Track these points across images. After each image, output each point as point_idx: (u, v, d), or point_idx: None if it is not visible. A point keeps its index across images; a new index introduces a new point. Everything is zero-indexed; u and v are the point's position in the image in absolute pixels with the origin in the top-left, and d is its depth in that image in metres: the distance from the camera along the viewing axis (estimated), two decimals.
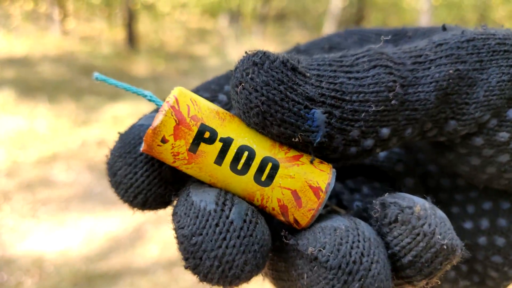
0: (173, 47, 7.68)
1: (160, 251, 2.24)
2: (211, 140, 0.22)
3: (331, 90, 0.21)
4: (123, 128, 0.27)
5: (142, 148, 0.23)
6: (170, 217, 0.23)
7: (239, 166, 0.22)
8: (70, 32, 7.56)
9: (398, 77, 0.22)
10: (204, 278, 0.21)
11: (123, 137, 0.25)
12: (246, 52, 0.22)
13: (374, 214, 0.23)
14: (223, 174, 0.22)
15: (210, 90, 0.28)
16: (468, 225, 0.29)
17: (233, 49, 7.65)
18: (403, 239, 0.21)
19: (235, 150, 0.22)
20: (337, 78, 0.22)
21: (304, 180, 0.22)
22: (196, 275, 0.21)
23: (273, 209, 0.23)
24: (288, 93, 0.21)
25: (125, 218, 2.46)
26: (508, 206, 0.28)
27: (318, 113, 0.21)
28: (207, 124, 0.22)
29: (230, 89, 0.22)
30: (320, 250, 0.21)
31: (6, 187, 2.72)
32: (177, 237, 0.22)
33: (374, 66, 0.22)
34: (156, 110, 0.27)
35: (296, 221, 0.23)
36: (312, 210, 0.23)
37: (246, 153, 0.22)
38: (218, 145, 0.22)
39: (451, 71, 0.23)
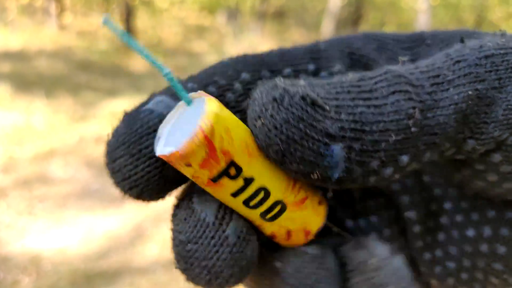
0: (171, 44, 7.63)
1: (160, 250, 2.22)
2: (234, 177, 0.22)
3: (350, 122, 0.21)
4: None
5: (159, 154, 0.21)
6: (170, 217, 0.24)
7: (252, 203, 0.23)
8: (67, 26, 7.49)
9: (417, 102, 0.22)
10: (191, 280, 0.23)
11: (129, 120, 0.24)
12: (263, 83, 0.22)
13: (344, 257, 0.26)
14: (234, 203, 0.23)
15: (227, 77, 0.27)
16: (470, 232, 0.29)
17: (232, 46, 7.62)
18: (359, 287, 0.24)
19: (254, 190, 0.22)
20: (356, 108, 0.21)
21: (301, 224, 0.24)
22: (184, 276, 0.23)
23: (264, 233, 0.25)
24: (308, 131, 0.20)
25: (124, 216, 2.43)
26: None
27: (338, 149, 0.21)
28: (235, 161, 0.21)
29: (248, 120, 0.22)
30: (285, 267, 0.24)
31: (2, 183, 2.69)
32: (173, 239, 0.23)
33: (393, 92, 0.22)
34: (170, 92, 0.25)
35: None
36: (296, 246, 0.25)
37: (262, 194, 0.22)
38: (239, 182, 0.22)
39: (470, 92, 0.22)
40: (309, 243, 0.25)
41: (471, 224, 0.29)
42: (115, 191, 0.24)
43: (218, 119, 0.21)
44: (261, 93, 0.21)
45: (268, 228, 0.24)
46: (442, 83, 0.22)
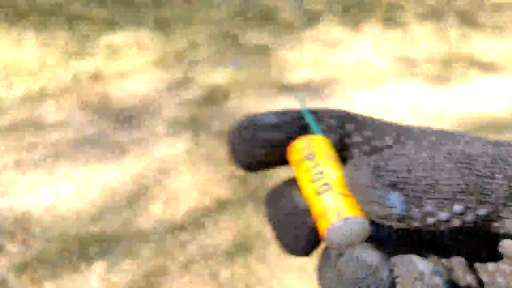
0: None
1: (164, 211, 1.94)
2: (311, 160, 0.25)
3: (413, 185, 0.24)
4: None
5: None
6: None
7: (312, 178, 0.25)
8: None
9: (475, 176, 0.24)
10: None
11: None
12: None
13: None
14: (304, 177, 0.26)
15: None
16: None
17: None
18: None
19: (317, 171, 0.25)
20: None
21: (337, 206, 0.26)
22: None
23: (313, 215, 0.26)
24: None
25: (123, 168, 2.14)
26: None
27: (396, 195, 0.24)
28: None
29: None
30: (342, 271, 0.26)
31: None
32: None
33: (455, 163, 0.25)
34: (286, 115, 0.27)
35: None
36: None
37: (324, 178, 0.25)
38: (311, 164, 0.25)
39: None
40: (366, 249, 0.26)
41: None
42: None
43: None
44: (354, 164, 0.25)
45: (317, 205, 0.26)
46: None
